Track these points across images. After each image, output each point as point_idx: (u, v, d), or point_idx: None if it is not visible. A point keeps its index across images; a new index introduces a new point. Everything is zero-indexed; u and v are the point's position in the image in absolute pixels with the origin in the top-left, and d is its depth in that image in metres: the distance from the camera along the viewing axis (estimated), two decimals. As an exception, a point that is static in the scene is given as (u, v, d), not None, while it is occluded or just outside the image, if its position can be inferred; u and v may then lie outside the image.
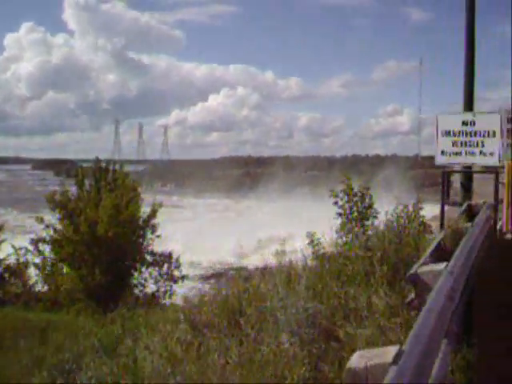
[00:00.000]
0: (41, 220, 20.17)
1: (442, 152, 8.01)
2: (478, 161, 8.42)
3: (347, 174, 11.71)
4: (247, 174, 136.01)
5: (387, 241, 7.23)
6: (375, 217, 11.06)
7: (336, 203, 11.42)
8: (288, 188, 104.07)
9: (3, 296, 20.79)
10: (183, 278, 21.85)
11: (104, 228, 19.12)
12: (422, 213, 9.70)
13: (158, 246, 22.55)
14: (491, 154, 8.42)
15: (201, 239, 54.36)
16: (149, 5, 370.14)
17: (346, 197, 11.36)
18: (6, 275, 22.20)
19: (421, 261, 4.90)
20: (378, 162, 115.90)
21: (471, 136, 8.19)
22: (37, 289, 21.35)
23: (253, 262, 46.38)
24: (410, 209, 9.26)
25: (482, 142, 8.30)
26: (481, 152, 8.30)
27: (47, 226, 20.12)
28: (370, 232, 9.44)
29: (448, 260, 4.59)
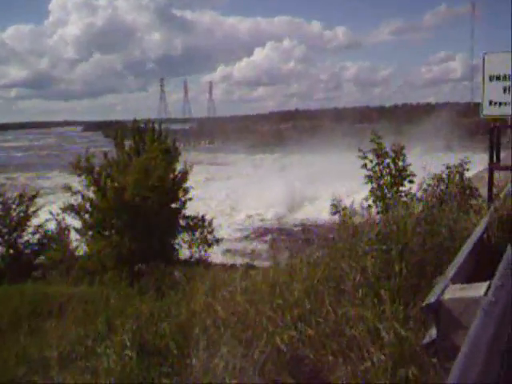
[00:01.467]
0: (69, 188, 19.41)
1: (490, 102, 5.96)
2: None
3: (377, 131, 10.23)
4: (294, 127, 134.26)
5: (411, 225, 5.33)
6: (412, 181, 9.57)
7: (365, 166, 9.98)
8: (336, 141, 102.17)
9: (46, 262, 20.49)
10: (218, 241, 21.04)
11: (131, 193, 18.22)
12: (468, 173, 8.25)
13: (201, 207, 21.55)
14: None
15: (247, 195, 53.38)
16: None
17: (375, 158, 9.96)
18: (45, 241, 21.94)
19: (448, 275, 3.36)
20: (429, 110, 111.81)
21: (526, 80, 7.48)
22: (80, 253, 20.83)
23: (301, 216, 45.27)
24: (454, 169, 7.89)
25: (536, 88, 7.51)
26: None
27: (74, 193, 19.33)
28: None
29: (492, 273, 3.08)
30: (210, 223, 21.04)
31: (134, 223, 19.28)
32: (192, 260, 29.91)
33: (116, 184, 19.17)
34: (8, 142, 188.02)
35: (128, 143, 25.12)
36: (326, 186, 44.39)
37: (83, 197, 19.65)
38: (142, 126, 28.57)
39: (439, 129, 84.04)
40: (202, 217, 21.22)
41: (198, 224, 21.82)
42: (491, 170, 6.16)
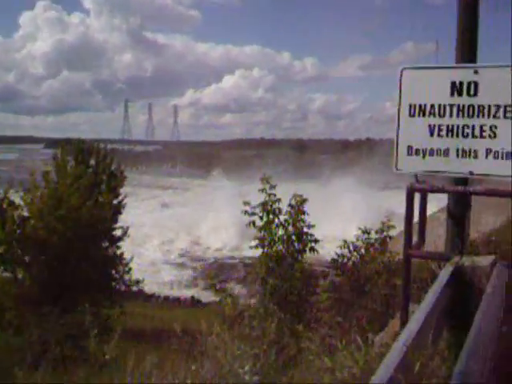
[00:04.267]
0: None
1: (410, 148, 3.68)
2: (484, 168, 3.68)
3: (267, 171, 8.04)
4: (258, 155, 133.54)
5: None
6: (312, 249, 7.30)
7: (252, 224, 7.61)
8: (298, 171, 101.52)
9: None
10: (138, 282, 18.77)
11: (33, 224, 15.81)
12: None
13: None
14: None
15: (198, 223, 51.93)
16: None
17: (263, 214, 7.44)
18: None
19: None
20: (390, 145, 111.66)
21: (470, 115, 3.66)
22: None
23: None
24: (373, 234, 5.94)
25: (493, 128, 3.66)
26: (489, 150, 3.67)
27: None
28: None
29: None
30: (127, 264, 18.79)
31: (38, 258, 16.82)
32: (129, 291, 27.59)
33: (19, 212, 16.68)
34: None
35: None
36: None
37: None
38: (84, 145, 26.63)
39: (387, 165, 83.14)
40: (120, 255, 18.99)
41: (116, 262, 19.64)
42: (407, 258, 3.45)
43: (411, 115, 3.52)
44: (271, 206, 7.27)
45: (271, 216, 7.26)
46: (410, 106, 3.54)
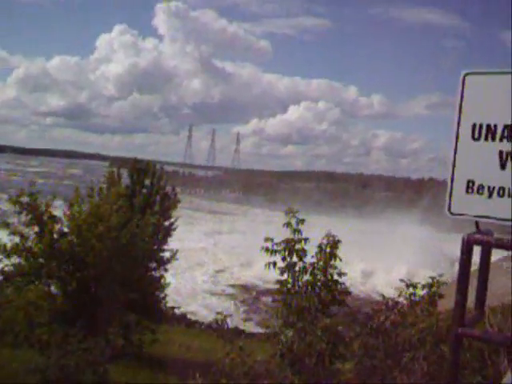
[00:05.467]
0: (6, 225, 16.53)
1: (470, 184, 2.44)
2: None
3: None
4: (318, 188, 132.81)
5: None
6: (342, 302, 6.09)
7: (273, 265, 6.27)
8: (358, 207, 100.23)
9: None
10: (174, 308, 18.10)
11: (68, 240, 15.31)
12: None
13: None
14: None
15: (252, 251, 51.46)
16: (238, 14, 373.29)
17: (286, 254, 6.23)
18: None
19: None
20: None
21: None
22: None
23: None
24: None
25: None
26: None
27: (13, 233, 16.40)
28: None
29: None
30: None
31: (74, 275, 16.31)
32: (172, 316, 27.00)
33: (59, 227, 16.27)
34: (33, 167, 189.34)
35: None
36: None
37: (22, 237, 16.69)
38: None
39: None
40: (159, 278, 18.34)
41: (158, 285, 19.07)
42: (457, 338, 2.35)
43: (475, 138, 2.44)
44: (293, 245, 6.26)
45: (295, 258, 6.31)
46: (474, 127, 2.45)
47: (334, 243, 6.18)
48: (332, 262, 6.03)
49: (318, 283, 5.88)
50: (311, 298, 5.78)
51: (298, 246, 6.12)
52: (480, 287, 2.62)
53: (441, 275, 5.53)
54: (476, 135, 2.39)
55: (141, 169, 25.32)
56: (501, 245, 2.21)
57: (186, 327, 28.30)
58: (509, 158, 2.31)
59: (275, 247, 6.07)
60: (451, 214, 2.45)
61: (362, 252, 52.13)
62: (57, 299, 16.04)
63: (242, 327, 29.56)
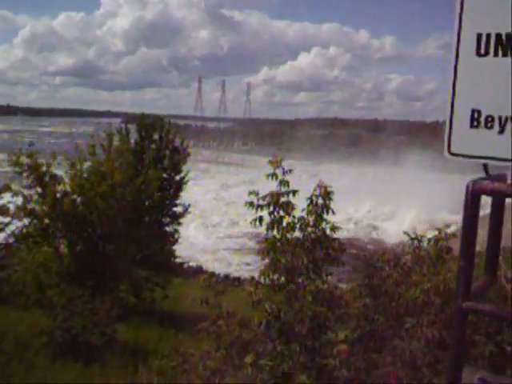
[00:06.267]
0: (9, 188, 16.26)
1: (475, 115, 1.75)
2: None
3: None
4: (331, 135, 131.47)
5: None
6: (336, 260, 5.40)
7: (259, 221, 5.55)
8: (371, 152, 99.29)
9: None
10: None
11: (70, 200, 14.99)
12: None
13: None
14: None
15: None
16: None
17: (271, 208, 5.58)
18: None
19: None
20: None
21: None
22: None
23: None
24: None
25: None
26: None
27: (15, 194, 16.11)
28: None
29: None
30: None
31: (80, 234, 16.13)
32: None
33: (61, 187, 15.94)
34: (45, 127, 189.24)
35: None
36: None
37: (24, 198, 16.42)
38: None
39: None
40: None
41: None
42: (461, 312, 1.95)
43: (481, 54, 1.78)
44: (278, 198, 5.47)
45: (282, 212, 5.65)
46: (480, 38, 1.79)
47: (326, 194, 5.62)
48: (325, 217, 5.46)
49: (309, 240, 5.32)
50: (301, 256, 5.29)
51: (283, 200, 5.53)
52: (491, 246, 2.08)
53: (448, 226, 4.93)
54: (482, 49, 1.77)
55: (148, 124, 24.90)
56: (517, 194, 1.67)
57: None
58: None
59: (260, 202, 5.51)
60: (451, 154, 1.87)
61: (372, 198, 51.60)
62: (64, 260, 15.85)
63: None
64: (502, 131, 1.74)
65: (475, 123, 1.78)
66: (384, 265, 4.70)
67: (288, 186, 5.58)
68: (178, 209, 23.52)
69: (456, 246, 5.00)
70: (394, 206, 50.87)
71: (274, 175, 5.60)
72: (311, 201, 5.51)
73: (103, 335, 11.80)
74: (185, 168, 24.39)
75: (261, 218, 5.51)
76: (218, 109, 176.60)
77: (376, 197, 52.06)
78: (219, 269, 32.70)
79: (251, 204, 5.48)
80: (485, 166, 1.80)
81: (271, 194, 5.51)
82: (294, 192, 5.57)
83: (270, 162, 5.58)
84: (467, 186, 1.76)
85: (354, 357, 4.01)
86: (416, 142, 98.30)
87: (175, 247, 23.06)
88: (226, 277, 30.31)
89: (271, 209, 5.49)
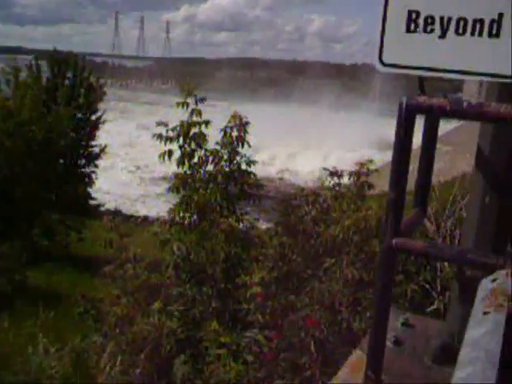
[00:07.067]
0: None
1: (413, 16, 1.47)
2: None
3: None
4: (251, 76, 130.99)
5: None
6: (252, 196, 5.09)
7: (168, 155, 5.20)
8: (292, 93, 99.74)
9: None
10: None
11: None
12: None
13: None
14: None
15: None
16: None
17: (182, 140, 5.20)
18: None
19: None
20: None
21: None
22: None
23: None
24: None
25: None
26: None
27: None
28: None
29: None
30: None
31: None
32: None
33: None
34: None
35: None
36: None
37: None
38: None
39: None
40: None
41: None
42: (389, 249, 1.49)
43: None
44: (189, 129, 5.09)
45: (193, 145, 5.22)
46: None
47: (241, 125, 5.24)
48: (239, 149, 5.09)
49: (222, 174, 4.95)
50: (213, 192, 4.98)
51: (195, 131, 5.12)
52: (422, 175, 1.84)
53: (370, 160, 4.69)
54: None
55: (61, 60, 23.62)
56: (460, 111, 1.37)
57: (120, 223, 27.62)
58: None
59: (170, 133, 5.06)
60: (383, 64, 1.54)
61: (294, 138, 51.84)
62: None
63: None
64: (443, 35, 1.44)
65: (412, 26, 1.47)
66: (302, 202, 4.47)
67: (200, 115, 5.17)
68: (95, 150, 22.74)
69: (378, 183, 4.84)
70: (314, 146, 51.38)
71: (184, 104, 5.16)
72: (225, 133, 5.14)
73: (12, 281, 11.22)
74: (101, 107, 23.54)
75: (170, 152, 5.10)
76: (136, 47, 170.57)
77: (297, 136, 52.28)
78: (138, 211, 32.07)
79: (159, 136, 5.04)
80: (420, 80, 1.52)
81: (181, 124, 5.07)
82: (207, 123, 5.17)
83: (182, 88, 5.13)
84: (400, 103, 1.46)
85: (270, 300, 3.81)
86: (336, 83, 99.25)
87: (92, 189, 22.33)
88: (140, 217, 29.80)
89: (181, 142, 5.08)
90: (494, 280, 1.22)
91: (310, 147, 51.72)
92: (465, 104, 1.39)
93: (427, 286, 3.86)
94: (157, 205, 35.48)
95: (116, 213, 27.94)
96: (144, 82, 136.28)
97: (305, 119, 63.39)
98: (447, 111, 1.42)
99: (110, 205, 30.59)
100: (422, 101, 1.46)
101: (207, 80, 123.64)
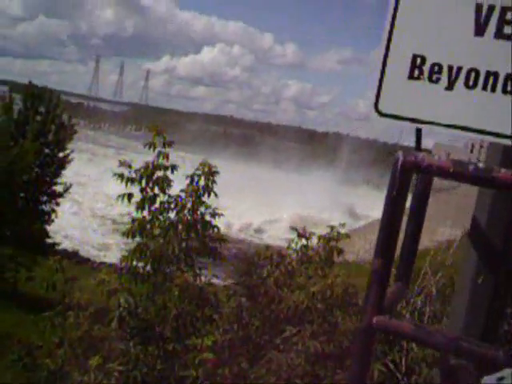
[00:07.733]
0: None
1: (418, 62, 1.29)
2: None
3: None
4: (225, 133, 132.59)
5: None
6: (215, 253, 4.78)
7: (127, 195, 4.90)
8: (262, 153, 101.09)
9: None
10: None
11: None
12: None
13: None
14: None
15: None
16: None
17: (144, 185, 4.84)
18: None
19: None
20: (357, 143, 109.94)
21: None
22: None
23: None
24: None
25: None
26: None
27: None
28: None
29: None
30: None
31: None
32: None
33: None
34: None
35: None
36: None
37: None
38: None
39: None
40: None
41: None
42: (370, 328, 1.60)
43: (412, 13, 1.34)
44: (153, 172, 4.78)
45: (157, 190, 4.89)
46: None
47: (210, 174, 4.99)
48: (204, 199, 4.80)
49: (183, 223, 4.61)
50: (172, 241, 4.58)
51: (160, 174, 4.83)
52: (408, 242, 1.63)
53: (342, 225, 4.48)
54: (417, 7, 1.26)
55: (35, 94, 23.46)
56: (463, 175, 1.18)
57: (76, 264, 26.79)
58: (492, 15, 1.23)
59: (132, 174, 4.77)
60: (379, 114, 1.34)
61: (254, 196, 52.08)
62: None
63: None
64: (450, 87, 1.26)
65: (416, 73, 1.29)
66: (266, 262, 4.18)
67: (167, 159, 4.93)
68: (59, 188, 22.26)
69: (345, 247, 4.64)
70: (274, 206, 51.64)
71: (152, 144, 4.92)
72: (192, 180, 4.89)
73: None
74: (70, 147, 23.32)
75: (130, 195, 4.80)
76: (114, 91, 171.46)
77: (257, 196, 52.57)
78: (94, 253, 31.31)
79: (120, 176, 4.75)
80: (418, 133, 1.33)
81: (145, 166, 4.80)
82: (173, 167, 4.92)
83: (150, 129, 4.90)
84: (396, 159, 1.27)
85: (221, 368, 3.47)
86: (306, 149, 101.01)
87: (51, 228, 21.69)
88: (96, 262, 28.98)
89: (143, 184, 4.79)
90: (500, 379, 1.01)
91: (264, 204, 51.95)
92: (471, 167, 1.20)
93: (392, 366, 3.60)
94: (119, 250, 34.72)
95: (71, 254, 27.14)
96: (117, 126, 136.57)
97: (269, 178, 64.02)
98: (449, 173, 1.23)
99: (69, 245, 29.81)
100: (421, 159, 1.26)
101: (179, 131, 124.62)
